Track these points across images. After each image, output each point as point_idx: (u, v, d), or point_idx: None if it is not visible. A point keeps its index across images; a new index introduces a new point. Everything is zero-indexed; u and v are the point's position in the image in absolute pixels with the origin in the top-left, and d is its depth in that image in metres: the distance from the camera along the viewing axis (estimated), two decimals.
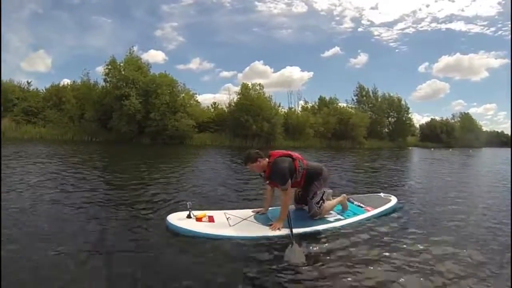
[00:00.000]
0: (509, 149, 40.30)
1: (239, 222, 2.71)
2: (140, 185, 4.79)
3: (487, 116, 70.77)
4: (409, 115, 35.44)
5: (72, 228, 2.62)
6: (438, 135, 40.26)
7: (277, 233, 2.54)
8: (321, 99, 29.62)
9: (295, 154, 2.95)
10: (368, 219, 3.06)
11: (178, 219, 2.62)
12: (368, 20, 64.71)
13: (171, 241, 2.36)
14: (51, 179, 4.95)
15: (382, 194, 3.82)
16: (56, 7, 49.08)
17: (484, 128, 53.56)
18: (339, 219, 2.97)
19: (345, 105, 30.82)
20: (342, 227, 2.83)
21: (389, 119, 34.35)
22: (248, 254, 2.18)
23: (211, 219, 2.70)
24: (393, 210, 3.40)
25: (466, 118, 45.99)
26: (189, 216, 2.65)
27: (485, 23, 61.20)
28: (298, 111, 26.99)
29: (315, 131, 24.70)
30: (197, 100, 23.93)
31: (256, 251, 2.23)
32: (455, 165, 11.81)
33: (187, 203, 2.71)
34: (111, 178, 5.54)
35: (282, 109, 25.26)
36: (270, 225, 2.67)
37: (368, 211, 3.21)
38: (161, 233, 2.50)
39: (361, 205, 3.38)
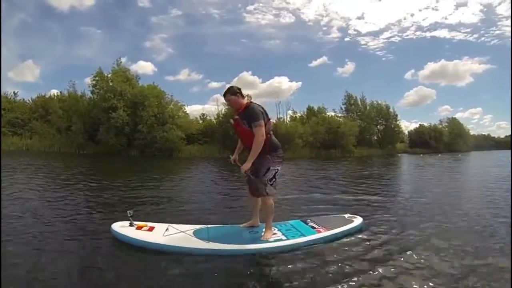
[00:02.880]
0: (497, 151, 41.44)
1: (173, 234, 2.77)
2: (113, 196, 5.17)
3: (473, 120, 72.69)
4: (398, 122, 35.99)
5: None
6: (427, 141, 40.86)
7: (200, 246, 2.55)
8: (310, 109, 29.87)
9: (271, 127, 2.90)
10: (317, 241, 2.78)
11: (120, 226, 2.84)
12: (355, 30, 66.42)
13: (108, 245, 2.69)
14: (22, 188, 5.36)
15: (346, 215, 3.47)
16: (45, 17, 48.58)
17: (471, 132, 54.72)
18: (280, 240, 2.72)
19: (333, 114, 31.18)
20: (281, 248, 2.59)
21: (378, 126, 34.79)
22: (169, 263, 2.34)
23: (150, 229, 2.84)
24: (354, 231, 3.08)
25: (453, 123, 46.80)
26: (131, 225, 2.85)
27: (468, 30, 63.37)
28: (287, 121, 27.16)
29: (304, 141, 24.87)
30: (185, 111, 23.95)
31: (174, 261, 2.36)
32: (445, 172, 11.90)
33: (128, 211, 2.90)
34: (83, 188, 5.86)
35: (271, 120, 25.34)
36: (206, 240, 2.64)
37: (320, 232, 2.92)
38: (105, 238, 2.84)
39: (315, 226, 3.10)
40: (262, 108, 2.80)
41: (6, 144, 20.57)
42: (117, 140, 20.15)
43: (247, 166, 2.66)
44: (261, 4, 63.55)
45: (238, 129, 2.82)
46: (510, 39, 45.38)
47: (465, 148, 45.21)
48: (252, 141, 2.65)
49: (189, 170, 11.30)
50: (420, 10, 72.42)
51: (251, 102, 2.83)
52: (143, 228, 2.83)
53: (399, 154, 31.49)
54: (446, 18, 67.03)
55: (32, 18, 46.58)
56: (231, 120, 2.90)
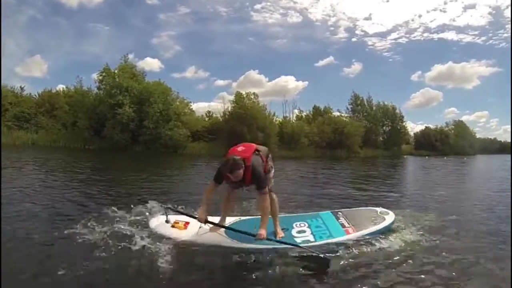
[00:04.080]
0: (503, 155, 41.02)
1: (206, 232, 2.80)
2: (136, 189, 5.29)
3: (480, 123, 71.62)
4: (404, 124, 35.62)
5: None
6: (432, 143, 40.44)
7: (232, 245, 2.62)
8: (316, 108, 29.67)
9: (261, 152, 2.82)
10: (345, 242, 2.74)
11: (156, 224, 2.88)
12: (362, 30, 65.05)
13: (145, 241, 2.65)
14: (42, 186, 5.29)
15: (379, 210, 3.31)
16: (54, 13, 48.52)
17: (478, 135, 54.08)
18: (308, 241, 2.71)
19: (338, 114, 30.94)
20: (308, 248, 2.54)
21: (384, 127, 34.45)
22: (201, 260, 2.42)
23: (185, 225, 2.88)
24: (385, 230, 2.96)
25: (460, 126, 46.31)
26: (167, 221, 2.89)
27: (476, 32, 61.32)
28: (293, 120, 26.97)
29: (310, 140, 24.69)
30: (191, 108, 23.86)
31: (208, 258, 2.44)
32: (455, 174, 11.88)
33: (165, 207, 2.98)
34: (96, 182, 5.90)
35: (277, 118, 25.28)
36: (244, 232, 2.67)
37: (349, 233, 2.83)
38: (142, 233, 2.81)
39: (345, 223, 3.01)
40: (261, 158, 2.79)
41: (11, 138, 20.62)
42: (123, 136, 20.13)
43: (264, 232, 2.59)
44: (268, 3, 62.76)
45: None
46: (510, 41, 44.64)
47: (471, 151, 44.71)
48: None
49: (198, 166, 11.23)
50: (428, 12, 70.78)
51: (249, 164, 2.59)
52: (177, 226, 2.86)
53: (405, 156, 31.23)
54: (454, 20, 65.60)
55: (41, 14, 46.73)
56: (235, 186, 2.80)
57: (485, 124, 69.17)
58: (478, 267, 2.30)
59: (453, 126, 46.04)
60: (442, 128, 44.32)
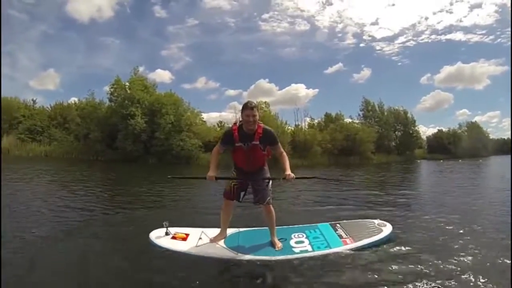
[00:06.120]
0: None
1: (205, 244, 2.87)
2: (145, 201, 5.41)
3: (492, 123, 69.85)
4: (416, 128, 34.99)
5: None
6: (445, 146, 39.62)
7: (229, 257, 2.65)
8: (327, 116, 29.28)
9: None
10: (343, 253, 2.80)
11: (157, 235, 2.97)
12: (370, 35, 62.94)
13: (147, 254, 2.76)
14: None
15: (376, 222, 3.38)
16: (66, 28, 49.49)
17: (491, 136, 52.83)
18: (306, 251, 2.77)
19: (350, 120, 30.44)
20: (308, 258, 2.67)
21: (396, 132, 33.84)
22: (201, 270, 2.44)
23: (185, 238, 2.96)
24: (383, 241, 2.99)
25: (473, 127, 45.31)
26: (167, 233, 2.98)
27: (484, 31, 60.30)
28: (305, 128, 26.57)
29: (322, 148, 24.29)
30: (203, 119, 23.71)
31: (207, 268, 2.48)
32: (471, 178, 11.49)
33: (164, 222, 3.00)
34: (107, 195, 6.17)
35: (289, 127, 24.95)
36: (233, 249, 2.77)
37: (346, 244, 2.87)
38: (144, 247, 2.92)
39: (343, 234, 3.08)
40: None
41: (25, 150, 20.87)
42: (135, 147, 20.08)
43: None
44: (276, 12, 63.19)
45: (251, 153, 2.77)
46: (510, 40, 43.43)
47: (485, 152, 43.69)
48: (259, 163, 2.87)
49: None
50: (434, 14, 69.90)
51: (261, 124, 2.80)
52: (177, 237, 2.96)
53: (418, 161, 30.59)
54: (461, 21, 64.28)
55: (54, 29, 47.64)
56: (242, 145, 2.74)
57: (498, 124, 67.46)
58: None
59: (466, 128, 45.09)
60: (455, 130, 43.47)
